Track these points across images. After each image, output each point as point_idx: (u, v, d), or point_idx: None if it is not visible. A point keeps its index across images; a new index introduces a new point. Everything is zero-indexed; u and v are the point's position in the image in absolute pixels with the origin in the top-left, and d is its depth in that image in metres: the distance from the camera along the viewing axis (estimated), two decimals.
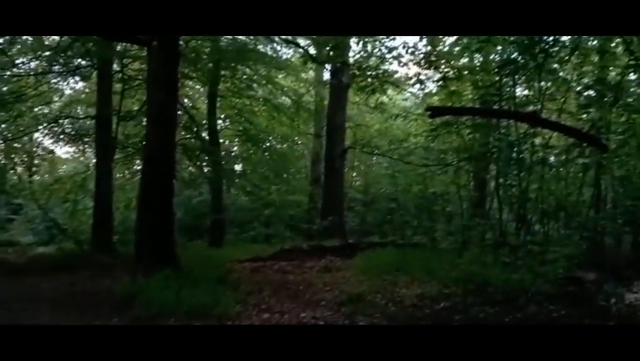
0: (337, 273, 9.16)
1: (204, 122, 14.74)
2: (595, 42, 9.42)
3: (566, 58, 8.99)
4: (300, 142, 19.87)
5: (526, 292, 6.74)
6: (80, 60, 12.43)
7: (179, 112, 12.42)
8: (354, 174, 22.15)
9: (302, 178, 19.74)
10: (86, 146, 16.75)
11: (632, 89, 9.25)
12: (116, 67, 12.66)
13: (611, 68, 10.12)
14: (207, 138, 14.35)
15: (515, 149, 10.10)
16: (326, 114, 16.07)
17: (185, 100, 15.21)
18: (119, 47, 12.08)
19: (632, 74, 7.79)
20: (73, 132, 14.65)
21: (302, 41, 13.98)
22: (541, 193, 10.16)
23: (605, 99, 9.36)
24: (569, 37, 8.21)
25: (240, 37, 14.08)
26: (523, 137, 9.79)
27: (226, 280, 7.87)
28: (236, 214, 17.10)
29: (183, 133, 13.54)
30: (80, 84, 16.10)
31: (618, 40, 7.50)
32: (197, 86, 17.10)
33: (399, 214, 11.31)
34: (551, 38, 8.22)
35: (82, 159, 20.37)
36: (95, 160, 13.21)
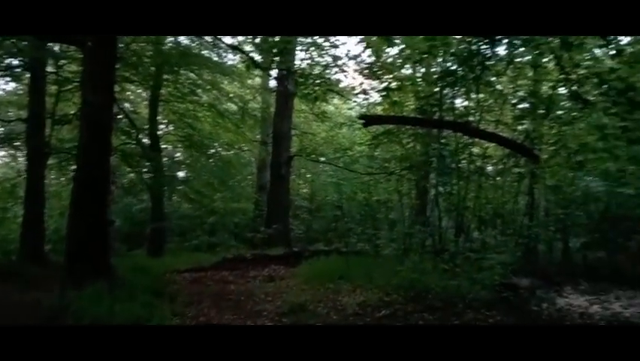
0: (280, 282, 9.08)
1: (145, 127, 14.29)
2: (529, 57, 9.89)
3: (502, 71, 9.34)
4: (246, 149, 19.65)
5: (463, 298, 6.93)
6: (11, 60, 11.74)
7: (118, 116, 12.01)
8: (300, 182, 22.14)
9: (247, 185, 19.53)
10: (17, 150, 15.82)
11: (562, 103, 9.73)
12: (51, 68, 12.04)
13: (543, 82, 10.67)
14: (148, 143, 13.92)
15: (453, 158, 10.44)
16: (272, 121, 15.99)
17: (126, 104, 14.71)
18: (56, 47, 11.51)
19: (562, 88, 8.17)
20: (2, 136, 13.79)
21: (247, 47, 13.86)
22: (478, 201, 10.52)
23: (538, 112, 9.83)
24: (505, 50, 8.54)
25: (184, 40, 13.83)
26: (462, 147, 10.10)
27: (164, 292, 7.62)
28: (178, 222, 16.67)
29: (123, 138, 13.07)
30: (11, 85, 15.22)
31: (551, 56, 7.88)
32: (139, 90, 16.59)
33: (343, 222, 11.38)
34: (489, 52, 8.53)
35: (13, 164, 19.21)
36: (26, 165, 12.46)
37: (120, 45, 10.13)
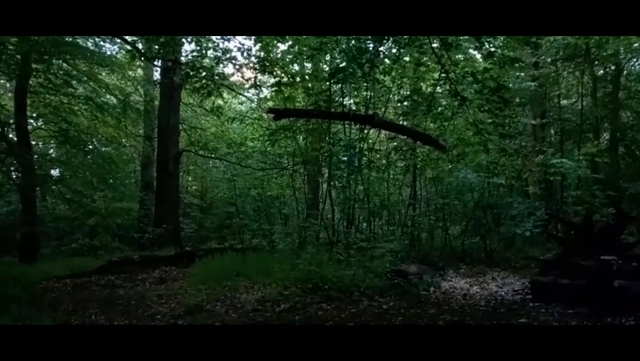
0: (173, 284, 8.70)
1: (11, 121, 12.82)
2: (410, 56, 10.48)
3: (388, 69, 9.79)
4: (128, 144, 18.47)
5: (358, 287, 7.19)
6: None
7: None
8: (189, 179, 21.39)
9: (131, 183, 18.40)
10: None
11: (441, 100, 10.48)
12: None
13: (425, 80, 11.40)
14: (15, 139, 12.50)
15: (344, 153, 10.78)
16: (157, 115, 15.22)
17: None
18: None
19: (442, 86, 8.78)
20: None
21: (128, 37, 13.02)
22: (367, 194, 10.98)
23: (421, 108, 10.49)
24: (392, 49, 8.94)
25: None
26: (353, 141, 10.46)
27: (41, 301, 6.92)
28: (53, 225, 15.23)
29: None
30: None
31: (432, 55, 8.41)
32: (2, 81, 14.84)
33: (238, 218, 11.21)
34: (374, 50, 8.89)
35: None
36: None
37: None
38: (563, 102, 14.48)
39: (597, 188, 11.27)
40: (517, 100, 11.89)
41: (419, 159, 12.01)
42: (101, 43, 14.20)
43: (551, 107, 14.02)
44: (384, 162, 12.78)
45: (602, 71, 14.05)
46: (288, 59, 11.37)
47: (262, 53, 10.73)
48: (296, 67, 12.23)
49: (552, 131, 14.82)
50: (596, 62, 13.33)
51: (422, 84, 11.65)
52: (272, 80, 11.10)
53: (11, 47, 11.76)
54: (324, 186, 13.01)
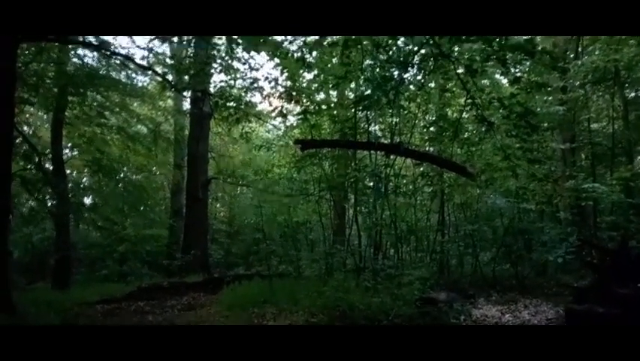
0: (202, 310, 8.75)
1: (48, 151, 13.31)
2: (435, 82, 10.53)
3: (413, 96, 9.84)
4: (158, 173, 18.91)
5: (387, 315, 7.09)
6: None
7: (16, 140, 11.09)
8: (217, 205, 21.67)
9: (161, 211, 18.75)
10: None
11: (467, 125, 10.43)
12: None
13: (450, 106, 11.39)
14: (51, 168, 12.96)
15: (371, 179, 10.78)
16: (187, 144, 15.57)
17: (25, 127, 13.64)
18: None
19: (468, 111, 8.76)
20: None
21: (159, 69, 13.48)
22: (394, 220, 10.90)
23: (447, 133, 10.45)
24: (417, 76, 8.99)
25: (90, 61, 13.16)
26: (380, 168, 10.47)
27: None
28: (85, 252, 15.57)
29: (22, 163, 12.07)
30: None
31: (457, 81, 8.43)
32: (40, 113, 15.46)
33: (265, 244, 11.25)
34: (398, 77, 8.96)
35: None
36: None
37: (18, 65, 9.43)
38: (593, 126, 14.21)
39: (632, 213, 10.94)
40: (546, 124, 11.74)
41: (446, 185, 11.91)
42: (133, 75, 14.71)
43: (581, 131, 13.77)
44: (410, 187, 12.71)
45: (633, 94, 13.79)
46: (313, 88, 11.57)
47: (288, 82, 10.96)
48: (321, 95, 12.42)
49: (583, 156, 14.52)
50: (627, 85, 13.11)
51: (448, 110, 11.65)
52: (298, 109, 11.30)
53: (49, 81, 12.32)
54: (351, 211, 12.98)
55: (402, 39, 8.03)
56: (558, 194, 10.40)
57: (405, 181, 12.58)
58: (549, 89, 10.95)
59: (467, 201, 12.45)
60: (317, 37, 8.87)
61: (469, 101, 7.91)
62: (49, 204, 13.46)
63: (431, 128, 11.46)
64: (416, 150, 10.13)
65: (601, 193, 10.54)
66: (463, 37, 6.69)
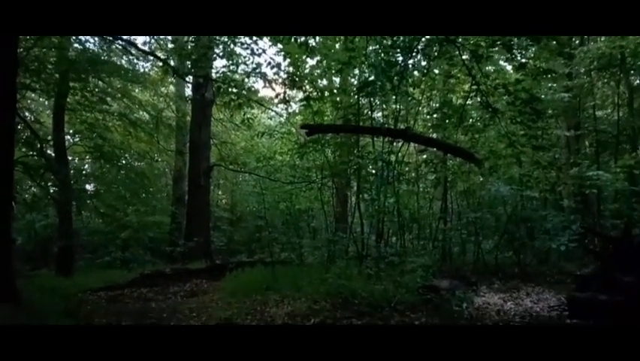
0: (204, 297, 8.76)
1: (49, 138, 13.26)
2: (440, 68, 10.41)
3: (418, 81, 9.74)
4: (160, 159, 18.87)
5: (389, 302, 7.08)
6: None
7: (18, 126, 11.03)
8: (219, 192, 21.66)
9: (163, 197, 18.75)
10: None
11: (472, 112, 10.34)
12: None
13: (455, 92, 11.28)
14: (53, 155, 12.92)
15: (373, 166, 10.73)
16: (189, 130, 15.51)
17: (26, 113, 13.57)
18: None
19: (473, 98, 8.68)
20: None
21: (161, 54, 13.37)
22: (396, 207, 10.87)
23: (451, 120, 10.37)
24: (422, 61, 8.90)
25: (92, 47, 13.06)
26: (382, 154, 10.40)
27: (77, 313, 7.06)
28: (88, 238, 15.61)
29: (24, 150, 12.02)
30: None
31: (462, 67, 8.33)
32: (42, 99, 15.39)
33: (267, 232, 11.25)
34: (403, 63, 8.86)
35: None
36: None
37: (19, 50, 9.35)
38: (598, 113, 14.11)
39: (636, 201, 10.89)
40: (551, 111, 11.64)
41: (450, 172, 11.86)
42: (135, 60, 14.61)
43: (586, 119, 13.68)
44: (413, 174, 12.66)
45: (638, 81, 13.66)
46: (316, 74, 11.47)
47: (291, 68, 10.87)
48: (324, 81, 12.33)
49: (587, 143, 14.43)
50: (632, 72, 12.98)
51: (452, 96, 11.54)
52: (300, 95, 11.22)
53: (50, 66, 12.23)
54: (353, 199, 12.95)
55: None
56: (562, 182, 10.34)
57: (407, 168, 12.53)
58: (554, 75, 10.84)
59: (470, 188, 12.41)
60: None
61: (474, 87, 7.83)
62: (52, 190, 13.44)
63: (435, 115, 11.38)
64: (423, 136, 10.05)
65: (605, 181, 10.48)
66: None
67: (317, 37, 9.15)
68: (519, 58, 7.58)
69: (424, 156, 12.34)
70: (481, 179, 11.79)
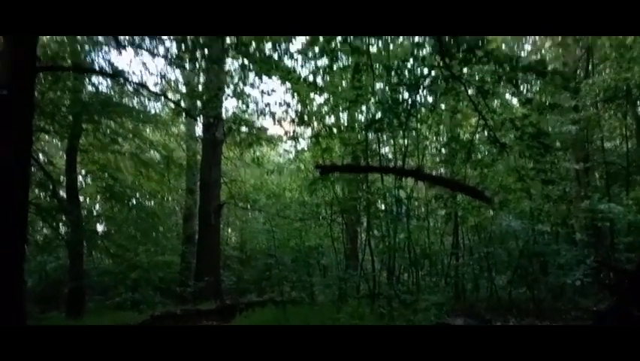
0: None
1: (62, 178, 13.45)
2: (446, 104, 10.53)
3: (425, 118, 9.84)
4: (170, 198, 19.00)
5: None
6: None
7: (32, 168, 11.22)
8: (229, 230, 21.66)
9: (173, 237, 18.76)
10: None
11: (480, 146, 10.38)
12: None
13: (462, 127, 11.37)
14: (65, 196, 13.07)
15: (383, 202, 10.72)
16: (199, 169, 15.66)
17: (40, 155, 13.81)
18: None
19: (480, 132, 8.74)
20: None
21: (172, 95, 13.66)
22: (407, 243, 10.79)
23: (459, 155, 10.40)
24: (428, 97, 9.00)
25: (104, 89, 13.39)
26: (391, 190, 10.42)
27: None
28: (98, 279, 15.57)
29: (37, 191, 12.19)
30: None
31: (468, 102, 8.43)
32: (55, 140, 15.69)
33: (277, 270, 11.17)
34: (410, 100, 8.99)
35: None
36: None
37: (35, 94, 9.62)
38: (607, 145, 14.09)
39: None
40: (559, 144, 11.66)
41: (460, 207, 11.80)
42: (146, 101, 14.94)
43: (594, 151, 13.65)
44: (423, 210, 12.60)
45: None
46: (324, 111, 11.64)
47: (300, 106, 11.05)
48: (332, 118, 12.48)
49: (597, 175, 14.36)
50: (639, 103, 13.03)
51: (460, 131, 11.62)
52: (309, 132, 11.35)
53: (64, 109, 12.53)
54: (363, 235, 12.89)
55: (411, 62, 8.09)
56: (573, 215, 10.24)
57: (417, 203, 12.49)
58: (561, 108, 10.91)
59: (481, 223, 12.31)
60: (327, 62, 8.95)
61: (481, 122, 7.89)
62: (63, 231, 13.52)
63: (443, 150, 11.44)
64: (435, 175, 10.08)
65: (617, 214, 10.37)
66: (474, 59, 6.71)
67: (325, 77, 9.32)
68: (524, 92, 7.67)
69: (434, 192, 12.32)
70: (492, 213, 11.71)
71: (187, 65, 10.35)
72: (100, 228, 16.68)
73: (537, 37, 13.92)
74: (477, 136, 10.11)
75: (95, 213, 17.52)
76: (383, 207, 11.25)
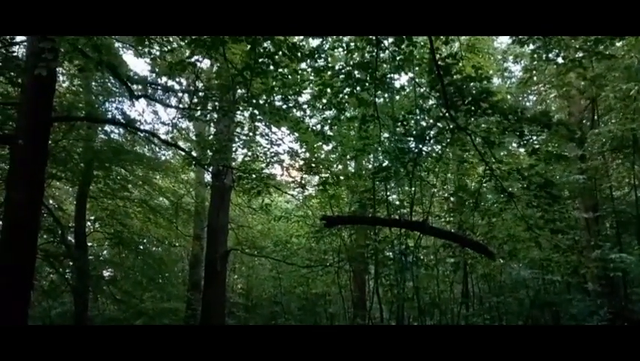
0: None
1: (71, 224, 13.53)
2: (453, 154, 10.63)
3: (432, 167, 9.92)
4: (178, 244, 18.97)
5: None
6: None
7: (43, 214, 11.33)
8: (235, 277, 21.46)
9: (179, 283, 18.63)
10: None
11: (488, 195, 10.40)
12: None
13: (469, 176, 11.42)
14: (73, 241, 13.11)
15: (390, 250, 10.66)
16: (207, 215, 15.71)
17: (50, 201, 13.97)
18: None
19: (488, 182, 8.77)
20: None
21: (182, 143, 13.90)
22: (416, 292, 10.67)
23: (467, 204, 10.41)
24: (435, 146, 9.10)
25: (116, 137, 13.66)
26: (398, 238, 10.40)
27: None
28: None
29: (45, 237, 12.24)
30: None
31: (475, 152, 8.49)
32: (66, 187, 15.89)
33: (283, 318, 11.04)
34: (417, 149, 9.07)
35: None
36: None
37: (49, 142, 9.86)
38: (616, 193, 14.04)
39: None
40: (567, 193, 11.65)
41: (469, 256, 11.71)
42: (157, 149, 15.17)
43: (604, 199, 13.60)
44: (432, 257, 12.51)
45: None
46: (332, 159, 11.78)
47: (307, 154, 11.20)
48: (340, 166, 12.62)
49: (607, 224, 14.23)
50: None
51: (467, 180, 11.68)
52: (317, 179, 11.45)
53: (76, 156, 12.76)
54: (371, 283, 12.76)
55: (418, 115, 8.25)
56: (584, 265, 10.10)
57: (425, 251, 12.41)
58: (568, 157, 10.97)
59: (491, 272, 12.17)
60: (335, 112, 9.12)
61: (487, 172, 7.94)
62: (69, 277, 13.47)
63: (451, 199, 11.46)
64: (440, 229, 10.11)
65: (629, 264, 10.23)
66: (479, 111, 6.84)
67: (333, 127, 9.47)
68: (530, 143, 7.74)
69: (442, 240, 12.26)
70: (502, 262, 11.60)
71: (197, 114, 10.62)
72: (106, 273, 16.61)
73: (541, 88, 14.16)
74: (484, 185, 10.14)
75: (102, 259, 17.47)
76: (391, 255, 11.18)
